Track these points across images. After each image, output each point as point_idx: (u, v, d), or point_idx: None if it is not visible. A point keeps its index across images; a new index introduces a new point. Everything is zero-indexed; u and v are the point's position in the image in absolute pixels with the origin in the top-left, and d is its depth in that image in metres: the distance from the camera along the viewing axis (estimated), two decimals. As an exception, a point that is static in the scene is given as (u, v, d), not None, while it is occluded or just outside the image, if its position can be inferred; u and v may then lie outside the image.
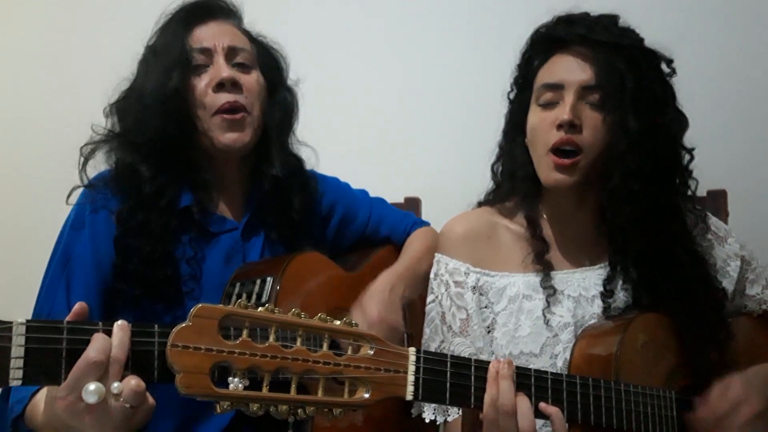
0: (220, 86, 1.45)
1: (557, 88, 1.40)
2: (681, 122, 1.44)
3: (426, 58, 2.31)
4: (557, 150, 1.38)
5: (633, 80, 1.37)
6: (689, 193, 1.47)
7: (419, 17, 2.33)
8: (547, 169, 1.40)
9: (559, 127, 1.37)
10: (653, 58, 1.43)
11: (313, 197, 1.60)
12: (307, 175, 1.62)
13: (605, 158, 1.38)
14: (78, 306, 1.11)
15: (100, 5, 2.45)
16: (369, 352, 1.05)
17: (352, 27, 2.34)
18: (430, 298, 1.51)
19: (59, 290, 1.35)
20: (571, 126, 1.36)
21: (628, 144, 1.36)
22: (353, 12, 2.35)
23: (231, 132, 1.45)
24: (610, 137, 1.37)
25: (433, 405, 1.42)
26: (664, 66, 1.44)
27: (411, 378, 1.09)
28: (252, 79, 1.50)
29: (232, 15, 1.57)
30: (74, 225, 1.43)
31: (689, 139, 1.47)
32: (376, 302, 1.45)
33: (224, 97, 1.45)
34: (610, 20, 1.44)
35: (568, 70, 1.41)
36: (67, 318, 1.09)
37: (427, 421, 1.43)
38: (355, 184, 1.78)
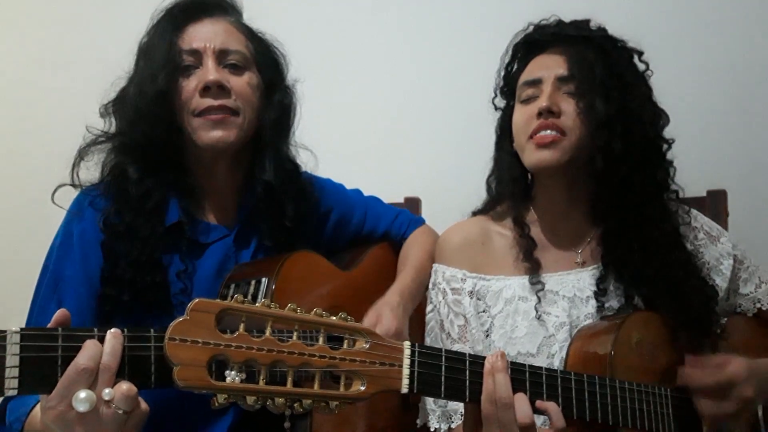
0: (206, 90, 1.42)
1: (536, 83, 1.47)
2: (658, 115, 1.48)
3: (426, 58, 2.33)
4: (538, 135, 1.43)
5: (602, 66, 1.44)
6: (671, 184, 1.49)
7: (420, 17, 2.34)
8: (530, 153, 1.45)
9: (539, 115, 1.43)
10: (623, 49, 1.49)
11: (309, 203, 1.57)
12: (304, 182, 1.57)
13: (586, 143, 1.42)
14: (59, 313, 1.09)
15: (98, 2, 2.45)
16: (364, 345, 1.06)
17: (353, 27, 2.36)
18: (429, 308, 1.54)
19: (50, 313, 1.27)
20: (550, 112, 1.42)
21: (596, 125, 1.40)
22: (354, 11, 2.36)
23: (215, 130, 1.42)
24: (586, 121, 1.42)
25: (438, 413, 1.44)
26: (637, 60, 1.49)
27: (406, 371, 1.09)
28: (243, 82, 1.46)
29: (229, 11, 1.53)
30: (63, 242, 1.41)
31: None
32: (393, 316, 1.43)
33: (208, 102, 1.42)
34: (582, 21, 1.52)
35: (545, 66, 1.48)
36: (49, 324, 1.07)
37: (432, 430, 1.44)
38: (354, 184, 1.78)
